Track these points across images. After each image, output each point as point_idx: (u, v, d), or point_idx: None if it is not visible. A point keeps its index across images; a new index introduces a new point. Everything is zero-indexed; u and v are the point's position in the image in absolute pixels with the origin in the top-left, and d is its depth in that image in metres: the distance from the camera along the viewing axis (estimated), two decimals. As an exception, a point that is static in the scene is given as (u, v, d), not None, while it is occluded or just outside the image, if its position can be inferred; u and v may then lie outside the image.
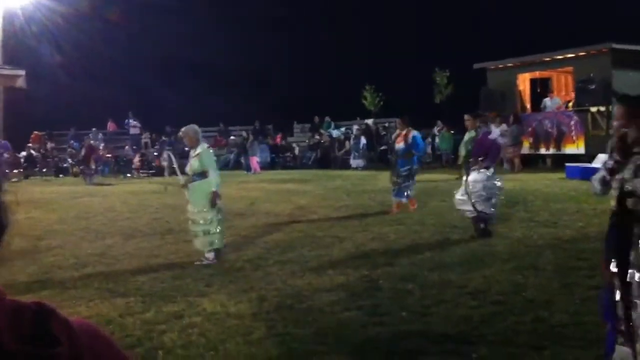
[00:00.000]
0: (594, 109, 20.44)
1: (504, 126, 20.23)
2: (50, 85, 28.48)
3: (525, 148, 21.95)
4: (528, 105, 24.25)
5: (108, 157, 27.94)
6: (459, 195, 9.22)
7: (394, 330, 5.23)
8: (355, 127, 27.65)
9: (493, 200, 9.05)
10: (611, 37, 20.97)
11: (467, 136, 9.51)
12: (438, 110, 28.58)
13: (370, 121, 29.04)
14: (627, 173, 3.70)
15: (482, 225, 9.00)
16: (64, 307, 6.15)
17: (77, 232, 10.92)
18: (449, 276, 6.92)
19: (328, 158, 26.69)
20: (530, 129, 21.95)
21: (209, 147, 8.55)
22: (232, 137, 30.32)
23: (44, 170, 26.31)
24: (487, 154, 9.02)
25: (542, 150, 21.79)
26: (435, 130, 26.23)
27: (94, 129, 31.03)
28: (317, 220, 11.36)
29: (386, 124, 28.88)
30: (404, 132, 12.04)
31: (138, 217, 12.58)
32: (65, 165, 27.91)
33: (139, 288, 6.90)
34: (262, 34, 37.71)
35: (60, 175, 26.24)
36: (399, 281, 6.80)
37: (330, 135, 28.39)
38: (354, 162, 25.08)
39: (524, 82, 24.37)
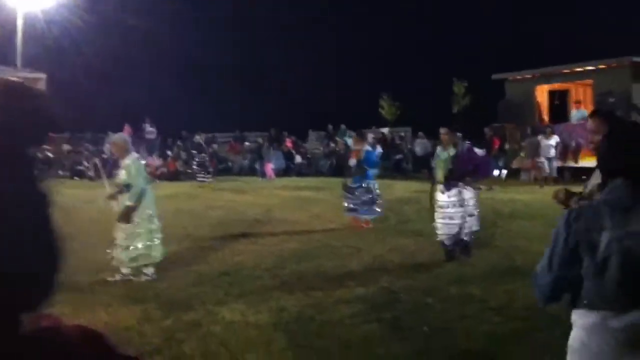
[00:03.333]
0: (613, 123, 20.25)
1: (555, 137, 19.42)
2: (69, 87, 28.63)
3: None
4: (546, 117, 24.11)
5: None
6: (445, 220, 8.42)
7: (416, 346, 5.15)
8: (370, 135, 27.54)
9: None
10: (632, 51, 20.84)
11: (443, 153, 8.56)
12: (455, 120, 28.49)
13: (386, 130, 28.96)
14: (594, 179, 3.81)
15: (465, 247, 8.56)
16: (82, 312, 6.12)
17: (93, 236, 10.87)
18: (470, 290, 6.82)
19: (343, 166, 26.58)
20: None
21: (138, 158, 8.07)
22: (247, 143, 30.30)
23: (60, 172, 26.37)
24: (477, 169, 8.56)
25: (560, 163, 21.55)
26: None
27: (109, 133, 31.10)
28: (333, 230, 11.28)
29: (402, 134, 28.78)
30: (357, 148, 11.77)
31: (154, 222, 12.53)
32: (80, 167, 27.97)
33: (157, 295, 6.85)
34: (281, 40, 37.83)
35: (76, 178, 26.27)
36: (419, 294, 6.71)
37: (346, 143, 28.28)
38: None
39: (542, 93, 24.25)
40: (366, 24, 37.82)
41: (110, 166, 27.87)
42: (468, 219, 8.40)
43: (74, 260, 7.94)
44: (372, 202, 11.52)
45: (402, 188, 18.65)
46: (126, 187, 7.68)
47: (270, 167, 25.02)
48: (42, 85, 13.16)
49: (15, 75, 14.34)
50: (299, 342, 5.22)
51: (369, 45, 36.72)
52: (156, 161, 27.13)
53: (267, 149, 26.36)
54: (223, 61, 36.95)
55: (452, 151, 8.53)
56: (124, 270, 7.65)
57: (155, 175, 25.64)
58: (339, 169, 26.45)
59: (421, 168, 24.38)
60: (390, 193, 17.49)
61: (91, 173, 20.75)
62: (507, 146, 22.10)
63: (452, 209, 8.41)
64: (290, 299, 6.52)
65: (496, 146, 19.61)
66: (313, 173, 26.78)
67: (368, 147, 12.03)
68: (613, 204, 2.42)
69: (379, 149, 25.68)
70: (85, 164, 28.43)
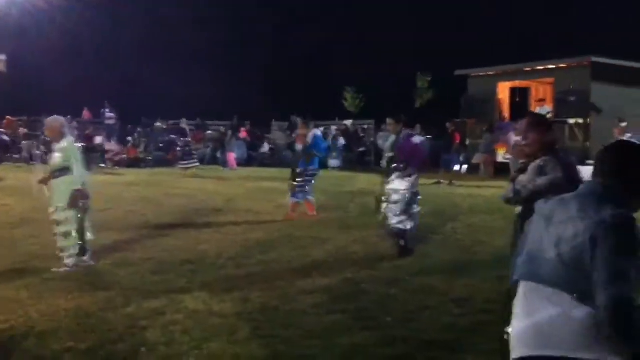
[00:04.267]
0: (572, 121, 20.70)
1: None
2: (30, 70, 28.02)
3: (501, 156, 21.93)
4: (506, 114, 24.47)
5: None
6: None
7: (380, 336, 5.20)
8: (334, 127, 27.62)
9: (412, 212, 8.29)
10: (591, 51, 21.28)
11: (388, 141, 8.68)
12: (418, 114, 28.67)
13: (349, 122, 29.06)
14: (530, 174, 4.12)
15: (401, 242, 8.24)
16: (44, 298, 6.04)
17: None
18: (432, 282, 6.91)
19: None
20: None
21: (74, 141, 7.73)
22: (209, 132, 30.03)
23: (16, 156, 25.78)
24: (409, 160, 8.31)
25: (519, 160, 21.79)
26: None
27: (68, 117, 30.48)
28: (296, 220, 11.28)
29: (365, 126, 28.90)
30: (303, 133, 11.68)
31: (113, 210, 12.36)
32: (37, 152, 27.37)
33: (119, 282, 6.78)
34: (246, 28, 37.53)
35: (32, 162, 25.72)
36: (382, 285, 6.77)
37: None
38: (331, 162, 25.01)
39: (503, 90, 24.62)
40: (331, 17, 37.78)
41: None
42: (393, 210, 8.19)
43: (34, 246, 7.82)
44: (308, 188, 11.47)
45: (364, 180, 18.74)
46: (60, 171, 7.39)
47: (232, 157, 24.88)
48: (2, 67, 12.78)
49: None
50: (263, 332, 5.23)
51: (334, 37, 36.68)
52: (115, 147, 26.72)
53: (230, 138, 26.19)
54: (186, 46, 36.59)
55: (392, 138, 8.57)
56: (67, 261, 7.31)
57: (114, 162, 25.32)
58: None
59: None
60: (353, 185, 17.62)
61: (26, 155, 20.20)
62: (468, 141, 22.38)
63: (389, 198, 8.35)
64: (254, 289, 6.50)
65: (457, 141, 19.81)
66: (276, 164, 26.71)
67: (317, 132, 11.83)
68: (568, 197, 2.51)
69: (342, 141, 25.83)
70: (43, 148, 27.86)
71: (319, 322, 5.51)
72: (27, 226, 10.05)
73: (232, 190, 15.77)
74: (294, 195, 11.47)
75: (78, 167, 7.33)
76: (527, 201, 4.04)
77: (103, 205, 12.95)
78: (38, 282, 6.71)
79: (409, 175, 8.26)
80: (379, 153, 25.84)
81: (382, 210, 8.39)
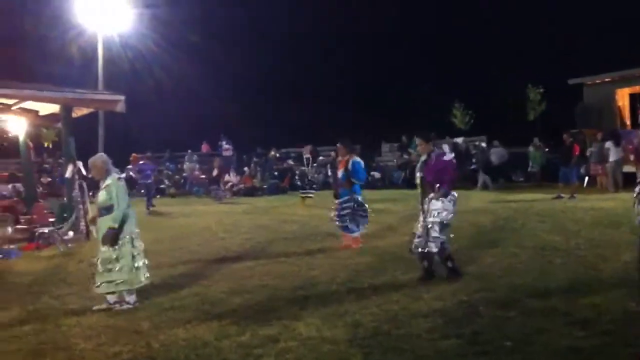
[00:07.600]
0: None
1: None
2: (146, 108, 29.68)
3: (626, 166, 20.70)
4: (628, 122, 23.21)
5: (202, 178, 28.65)
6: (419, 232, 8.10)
7: (497, 361, 5.00)
8: (444, 146, 27.14)
9: (439, 236, 7.98)
10: None
11: (420, 161, 8.42)
12: (531, 127, 27.75)
13: (459, 140, 28.52)
14: None
15: (425, 264, 8.06)
16: (163, 328, 6.25)
17: (172, 252, 11.17)
18: (552, 303, 6.57)
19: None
20: (630, 147, 20.78)
21: (119, 179, 7.47)
22: (320, 157, 30.45)
23: (142, 191, 27.14)
24: (441, 179, 7.95)
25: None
26: (531, 148, 25.34)
27: (189, 151, 31.92)
28: (408, 242, 11.12)
29: (476, 143, 28.28)
30: (345, 159, 11.04)
31: (231, 238, 12.76)
32: (162, 186, 28.79)
33: (234, 310, 6.92)
34: (351, 52, 37.89)
35: (158, 196, 27.00)
36: (498, 308, 6.51)
37: (419, 155, 28.01)
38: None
39: (622, 97, 23.39)
40: (436, 32, 37.40)
41: (189, 185, 28.72)
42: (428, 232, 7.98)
43: (154, 277, 8.08)
44: (360, 215, 10.98)
45: (477, 198, 18.33)
46: (105, 209, 7.31)
47: (344, 181, 24.98)
48: (121, 107, 13.52)
49: (96, 97, 14.85)
50: (374, 358, 5.15)
51: (440, 54, 36.26)
52: (233, 178, 27.67)
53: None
54: (293, 77, 37.42)
55: (424, 157, 8.32)
56: (110, 298, 7.32)
57: (232, 192, 26.18)
58: (412, 180, 26.20)
59: (497, 177, 23.91)
60: (465, 204, 17.14)
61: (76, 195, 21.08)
62: (588, 152, 21.33)
63: (420, 219, 8.13)
64: (365, 314, 6.45)
65: (576, 153, 18.86)
66: (386, 185, 26.63)
67: (356, 158, 11.18)
68: None
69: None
70: (167, 182, 29.31)
71: (433, 347, 5.36)
72: (146, 258, 10.47)
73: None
74: (344, 229, 11.02)
75: (119, 205, 7.24)
76: None
77: (222, 233, 13.45)
78: (157, 312, 6.96)
79: (445, 195, 7.97)
80: (491, 171, 25.23)
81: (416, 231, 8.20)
